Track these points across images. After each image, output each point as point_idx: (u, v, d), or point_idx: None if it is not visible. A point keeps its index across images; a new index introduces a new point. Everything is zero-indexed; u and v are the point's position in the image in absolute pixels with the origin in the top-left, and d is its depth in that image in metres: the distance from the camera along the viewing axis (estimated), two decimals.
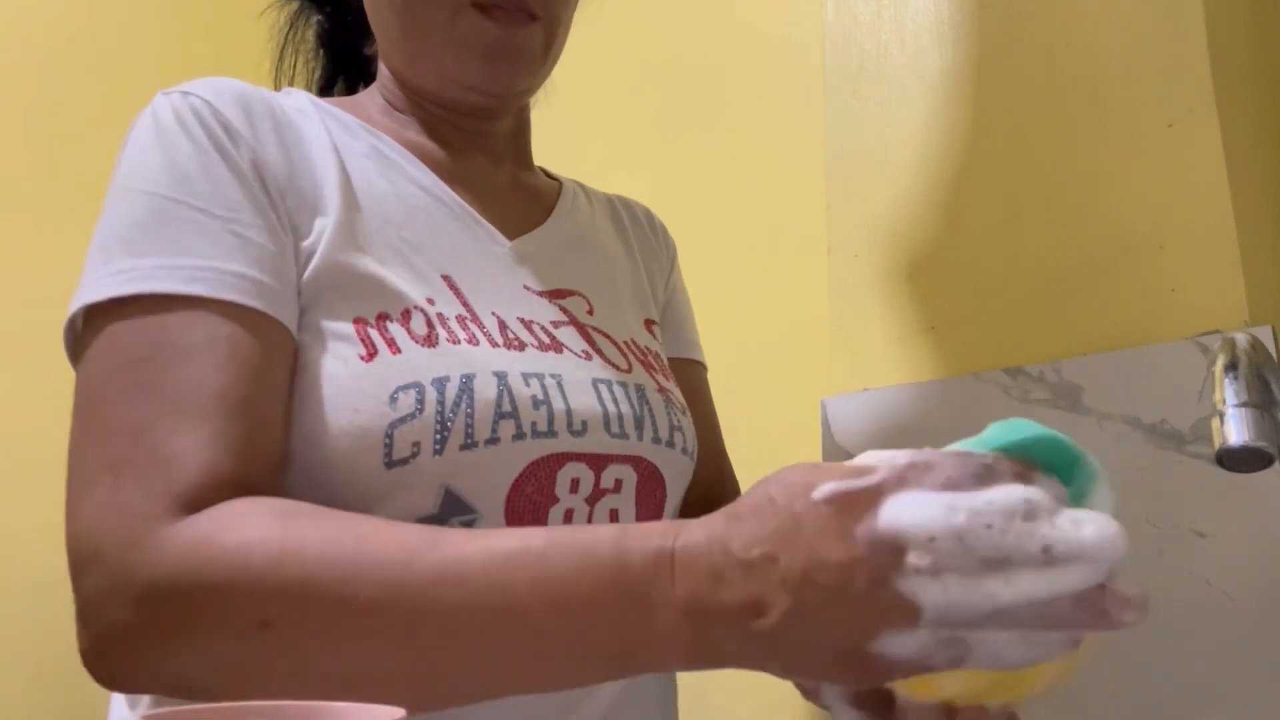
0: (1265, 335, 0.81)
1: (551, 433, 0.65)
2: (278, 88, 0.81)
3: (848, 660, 0.44)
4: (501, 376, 0.64)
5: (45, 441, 0.95)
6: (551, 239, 0.77)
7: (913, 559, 0.42)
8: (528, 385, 0.65)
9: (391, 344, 0.62)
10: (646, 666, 0.49)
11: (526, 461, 0.64)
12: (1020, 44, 1.01)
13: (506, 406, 0.63)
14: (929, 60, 1.08)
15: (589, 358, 0.71)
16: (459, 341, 0.64)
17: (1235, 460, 0.66)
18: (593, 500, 0.68)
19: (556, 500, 0.66)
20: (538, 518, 0.65)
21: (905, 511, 0.43)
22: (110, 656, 0.52)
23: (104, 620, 0.52)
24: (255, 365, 0.58)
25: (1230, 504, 0.81)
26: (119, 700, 0.67)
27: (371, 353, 0.62)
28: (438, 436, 0.61)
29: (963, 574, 0.42)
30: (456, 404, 0.62)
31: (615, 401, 0.70)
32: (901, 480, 0.44)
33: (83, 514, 0.54)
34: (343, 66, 0.87)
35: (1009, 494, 0.43)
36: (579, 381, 0.68)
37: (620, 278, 0.82)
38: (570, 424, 0.66)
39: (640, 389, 0.72)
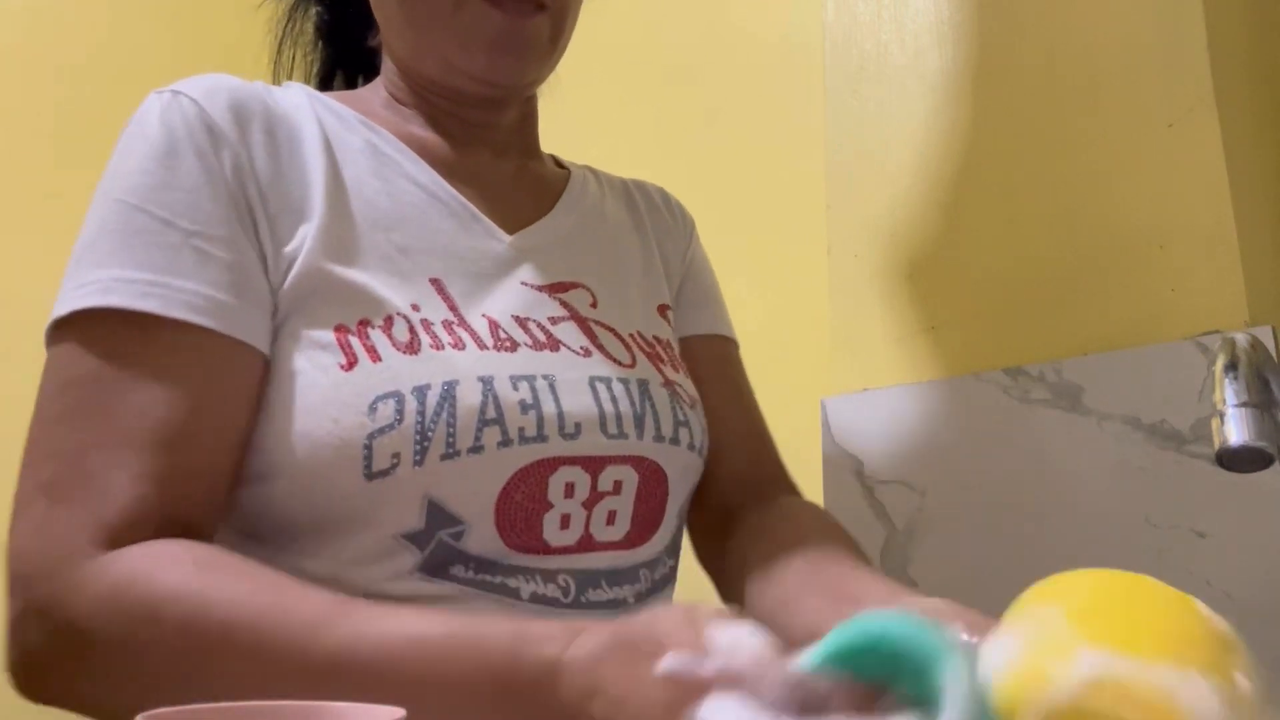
0: (1265, 335, 0.81)
1: (541, 437, 0.64)
2: (277, 81, 0.81)
3: None
4: (487, 382, 0.63)
5: None
6: (555, 230, 0.76)
7: None
8: (515, 389, 0.64)
9: (372, 352, 0.61)
10: None
11: (514, 468, 0.63)
12: (1020, 44, 1.01)
13: (491, 413, 0.62)
14: (929, 60, 1.08)
15: (588, 354, 0.69)
16: (443, 347, 0.63)
17: (1235, 460, 0.66)
18: (590, 504, 0.66)
19: (550, 506, 0.65)
20: (530, 525, 0.64)
21: (717, 717, 0.43)
22: (26, 676, 0.56)
23: (24, 642, 0.55)
24: (198, 391, 0.58)
25: (1230, 504, 0.81)
26: None
27: (352, 361, 0.61)
28: (417, 447, 0.60)
29: None
30: (438, 412, 0.60)
31: (614, 400, 0.68)
32: (734, 682, 0.43)
33: (17, 535, 0.56)
34: (342, 58, 0.86)
35: None
36: (574, 381, 0.67)
37: (629, 265, 0.80)
38: (562, 427, 0.65)
39: (643, 384, 0.71)
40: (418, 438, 0.60)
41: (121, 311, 0.57)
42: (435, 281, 0.66)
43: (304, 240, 0.63)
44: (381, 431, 0.59)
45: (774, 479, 0.82)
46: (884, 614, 0.41)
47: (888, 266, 1.08)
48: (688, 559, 0.79)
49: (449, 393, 0.61)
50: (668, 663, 0.44)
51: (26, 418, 0.59)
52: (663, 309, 0.80)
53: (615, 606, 0.67)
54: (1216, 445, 0.66)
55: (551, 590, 0.65)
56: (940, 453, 0.99)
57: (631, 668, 0.46)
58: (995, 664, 0.38)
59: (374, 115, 0.74)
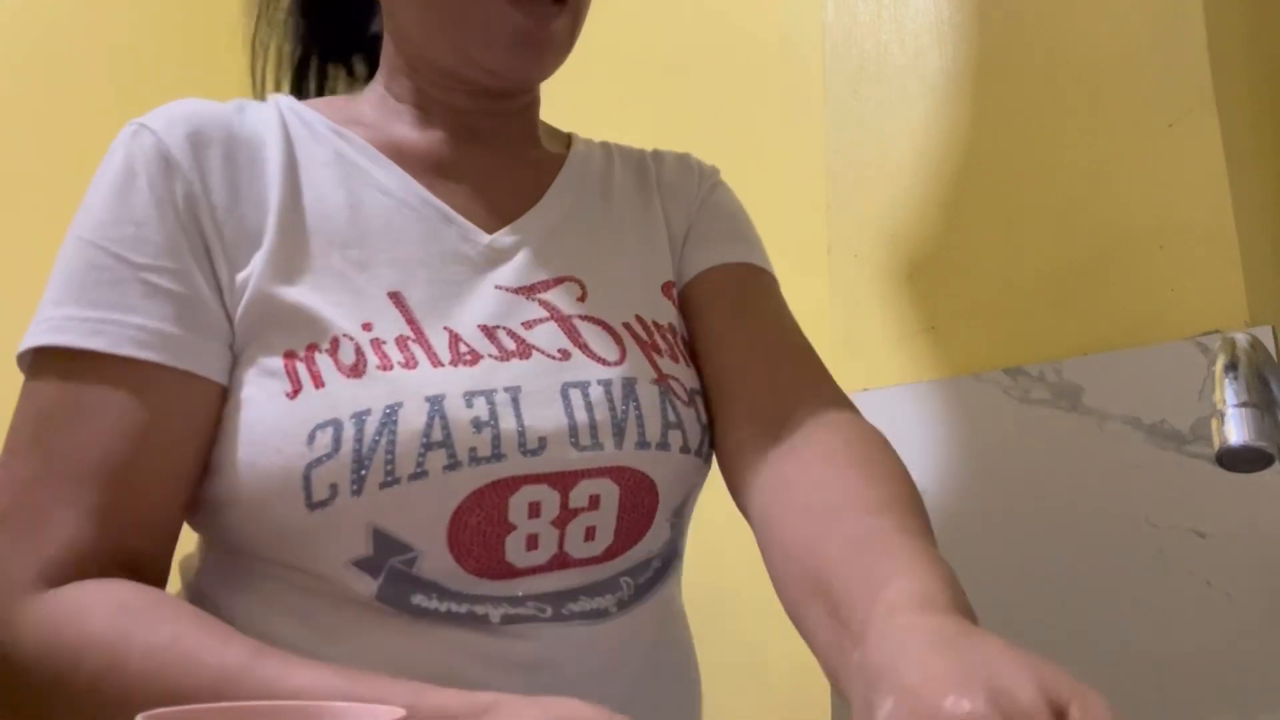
0: (1265, 335, 0.81)
1: (497, 456, 0.62)
2: (254, 73, 0.81)
3: None
4: (435, 401, 0.61)
5: None
6: (545, 220, 0.73)
7: None
8: (470, 406, 0.62)
9: (316, 378, 0.61)
10: None
11: (466, 491, 0.61)
12: (1020, 44, 1.01)
13: (438, 435, 0.60)
14: (929, 60, 1.08)
15: (566, 357, 0.67)
16: (392, 367, 0.62)
17: (1235, 460, 0.66)
18: (561, 522, 0.64)
19: (513, 528, 0.63)
20: (489, 548, 0.62)
21: None
22: None
23: None
24: (144, 427, 0.60)
25: (1230, 504, 0.81)
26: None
27: (296, 388, 0.61)
28: (354, 476, 0.59)
29: None
30: (376, 439, 0.59)
31: (588, 408, 0.65)
32: None
33: None
34: (319, 38, 0.83)
35: None
36: (543, 391, 0.64)
37: (630, 242, 0.76)
38: (523, 444, 0.62)
39: (629, 384, 0.67)
40: (354, 466, 0.59)
41: (74, 351, 0.60)
42: (394, 295, 0.65)
43: (255, 267, 0.63)
44: (319, 461, 0.59)
45: (799, 402, 0.68)
46: None
47: (888, 266, 1.08)
48: (692, 552, 0.78)
49: (390, 417, 0.60)
50: None
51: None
52: (667, 287, 0.76)
53: (598, 617, 0.66)
54: (1216, 445, 0.66)
55: (528, 609, 0.63)
56: (940, 453, 0.99)
57: None
58: None
59: (356, 120, 0.73)
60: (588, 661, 0.65)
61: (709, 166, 0.86)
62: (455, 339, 0.64)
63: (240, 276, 0.63)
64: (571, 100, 0.87)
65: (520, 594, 0.63)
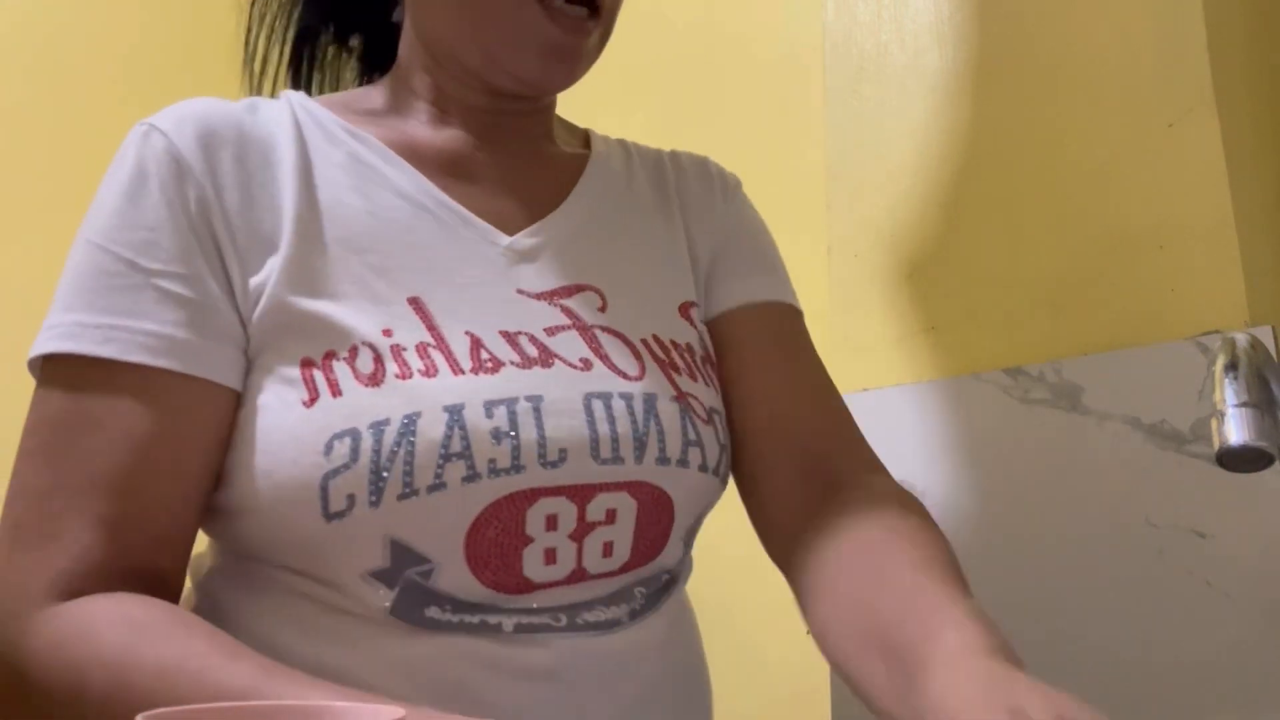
0: (1265, 335, 0.81)
1: (516, 468, 0.61)
2: (250, 64, 0.80)
3: None
4: (454, 411, 0.60)
5: None
6: (565, 225, 0.72)
7: None
8: (490, 416, 0.61)
9: (334, 386, 0.60)
10: None
11: (484, 504, 0.60)
12: (1020, 44, 1.01)
13: (456, 446, 0.59)
14: (929, 60, 1.08)
15: (588, 367, 0.66)
16: (411, 375, 0.61)
17: (1235, 460, 0.66)
18: (578, 535, 0.64)
19: (530, 540, 0.62)
20: (507, 562, 0.62)
21: None
22: None
23: None
24: (156, 436, 0.59)
25: (1230, 504, 0.81)
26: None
27: (313, 397, 0.60)
28: (372, 487, 0.58)
29: None
30: (394, 450, 0.58)
31: (611, 420, 0.64)
32: None
33: None
34: (332, 17, 0.82)
35: None
36: (565, 401, 0.63)
37: (650, 257, 0.75)
38: (543, 455, 0.61)
39: (649, 399, 0.66)
40: (373, 478, 0.58)
41: (85, 358, 0.59)
42: (414, 300, 0.64)
43: (270, 273, 0.62)
44: (336, 472, 0.58)
45: (843, 456, 0.72)
46: None
47: (888, 266, 1.08)
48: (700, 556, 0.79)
49: (409, 427, 0.59)
50: None
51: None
52: (685, 307, 0.74)
53: (611, 626, 0.65)
54: (1216, 445, 0.66)
55: (543, 619, 0.63)
56: (940, 453, 0.99)
57: None
58: None
59: (369, 117, 0.72)
60: (599, 669, 0.64)
61: (730, 177, 0.85)
62: (477, 344, 0.64)
63: (254, 281, 0.62)
64: (571, 99, 0.87)
65: (535, 605, 0.63)
